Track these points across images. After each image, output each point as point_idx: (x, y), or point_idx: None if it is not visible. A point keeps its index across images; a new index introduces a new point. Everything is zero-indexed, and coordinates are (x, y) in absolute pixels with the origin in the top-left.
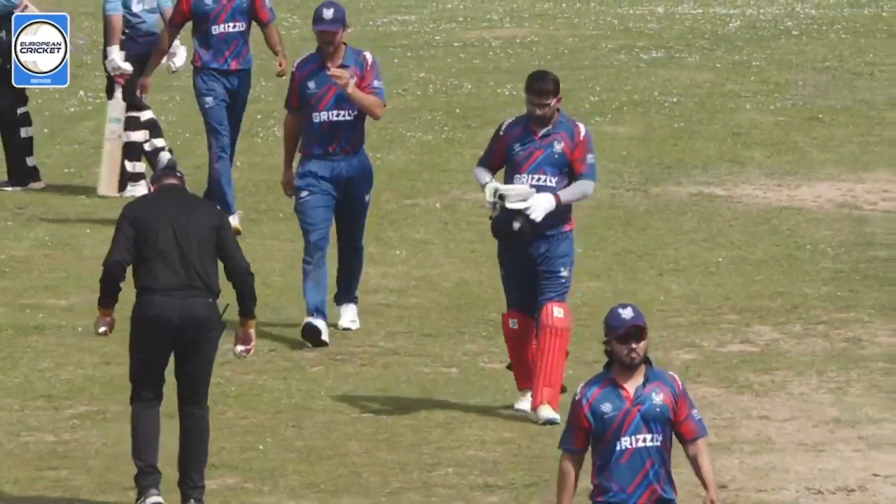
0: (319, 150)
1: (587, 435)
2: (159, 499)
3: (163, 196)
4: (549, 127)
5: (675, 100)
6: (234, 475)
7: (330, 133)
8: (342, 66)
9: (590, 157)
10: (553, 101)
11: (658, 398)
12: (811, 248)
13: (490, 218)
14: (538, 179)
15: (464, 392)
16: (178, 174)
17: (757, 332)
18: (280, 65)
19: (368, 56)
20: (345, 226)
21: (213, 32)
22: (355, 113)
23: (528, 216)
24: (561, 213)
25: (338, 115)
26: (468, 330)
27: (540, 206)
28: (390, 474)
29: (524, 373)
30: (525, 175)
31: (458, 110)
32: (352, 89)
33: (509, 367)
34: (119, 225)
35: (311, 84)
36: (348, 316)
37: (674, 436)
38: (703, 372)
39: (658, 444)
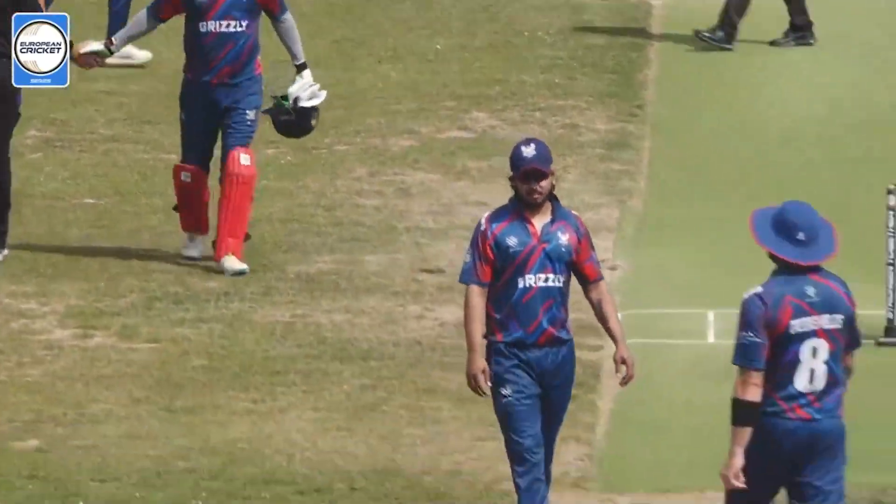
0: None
1: (493, 267)
2: None
3: None
4: None
5: None
6: None
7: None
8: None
9: None
10: None
11: (564, 238)
12: (529, 36)
13: (279, 117)
14: (228, 26)
15: None
16: None
17: (474, 119)
18: None
19: None
20: None
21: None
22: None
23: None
24: (252, 57)
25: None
26: None
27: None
28: (109, 260)
29: (193, 220)
30: (212, 22)
31: None
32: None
33: (175, 208)
34: None
35: None
36: None
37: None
38: (422, 158)
39: (560, 284)
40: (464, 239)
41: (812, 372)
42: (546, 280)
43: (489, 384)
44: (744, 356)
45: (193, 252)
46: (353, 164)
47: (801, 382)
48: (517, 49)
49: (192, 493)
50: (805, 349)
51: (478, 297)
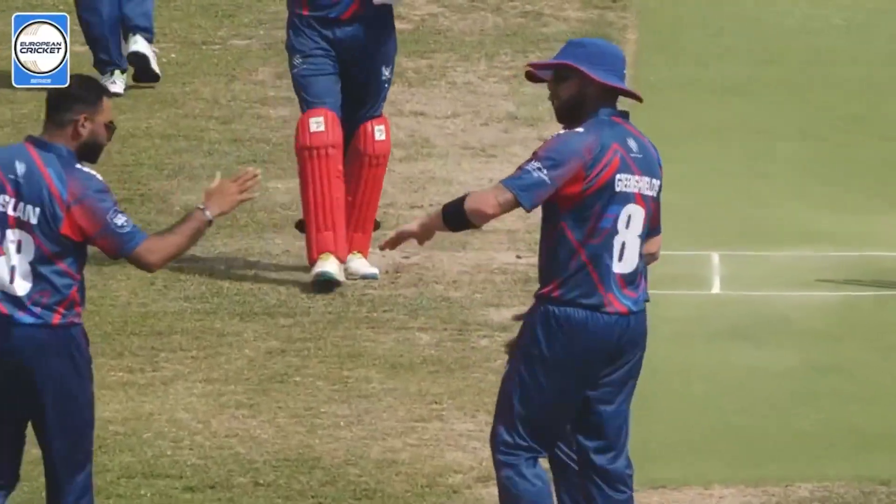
0: None
1: None
2: None
3: None
4: None
5: None
6: None
7: None
8: None
9: None
10: None
11: None
12: None
13: None
14: None
15: None
16: None
17: (409, 5)
18: None
19: None
20: None
21: None
22: None
23: None
24: None
25: None
26: None
27: None
28: None
29: (328, 220)
30: None
31: None
32: None
33: (300, 225)
34: None
35: None
36: None
37: None
38: None
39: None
40: (399, 160)
41: (623, 246)
42: None
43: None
44: (521, 185)
45: (329, 267)
46: (255, 63)
47: (612, 258)
48: None
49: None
50: (623, 215)
51: None
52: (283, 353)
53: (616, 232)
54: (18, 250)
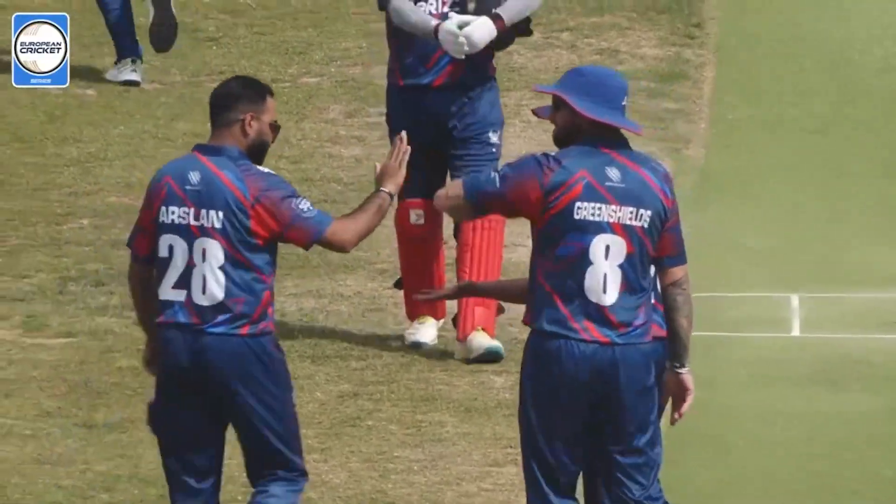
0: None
1: None
2: None
3: None
4: None
5: None
6: None
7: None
8: None
9: None
10: None
11: None
12: None
13: None
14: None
15: None
16: None
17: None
18: None
19: None
20: None
21: None
22: None
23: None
24: (487, 50)
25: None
26: None
27: (479, 36)
28: (8, 228)
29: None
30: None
31: None
32: None
33: (398, 283)
34: None
35: None
36: None
37: None
38: None
39: None
40: None
41: (605, 277)
42: None
43: None
44: (472, 182)
45: (423, 336)
46: (326, 102)
47: (591, 290)
48: None
49: None
50: (597, 245)
51: None
52: (356, 397)
53: (588, 262)
54: (204, 258)
